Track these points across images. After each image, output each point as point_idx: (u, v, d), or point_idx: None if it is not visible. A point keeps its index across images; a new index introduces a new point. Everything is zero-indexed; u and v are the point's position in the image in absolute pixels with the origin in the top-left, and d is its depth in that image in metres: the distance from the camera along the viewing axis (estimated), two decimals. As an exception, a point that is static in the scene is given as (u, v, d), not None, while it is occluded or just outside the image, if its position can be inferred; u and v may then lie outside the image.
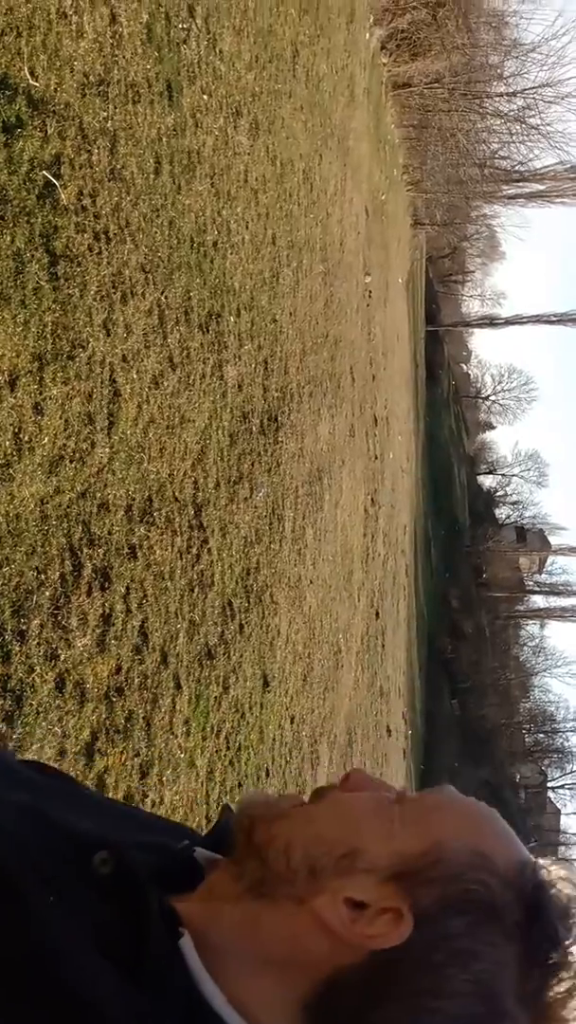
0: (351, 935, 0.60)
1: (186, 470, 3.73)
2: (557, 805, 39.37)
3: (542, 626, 37.87)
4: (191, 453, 3.75)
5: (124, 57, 3.03)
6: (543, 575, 38.39)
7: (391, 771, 11.41)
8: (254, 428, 4.95)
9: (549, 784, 38.36)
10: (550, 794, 38.89)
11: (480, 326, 45.54)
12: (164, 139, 3.46)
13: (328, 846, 0.64)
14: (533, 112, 18.02)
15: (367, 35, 13.64)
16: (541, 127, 18.13)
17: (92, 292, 2.63)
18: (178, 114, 3.68)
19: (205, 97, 4.13)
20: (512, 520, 41.28)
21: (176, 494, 3.60)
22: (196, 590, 3.71)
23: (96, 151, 2.75)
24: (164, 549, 3.39)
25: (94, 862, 0.63)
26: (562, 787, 38.88)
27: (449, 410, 33.92)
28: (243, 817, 0.69)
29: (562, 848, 39.78)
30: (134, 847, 0.69)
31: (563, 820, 40.04)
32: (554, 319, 39.67)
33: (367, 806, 0.67)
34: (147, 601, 3.14)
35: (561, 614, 35.84)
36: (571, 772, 38.58)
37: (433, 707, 19.72)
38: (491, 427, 48.13)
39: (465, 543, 29.37)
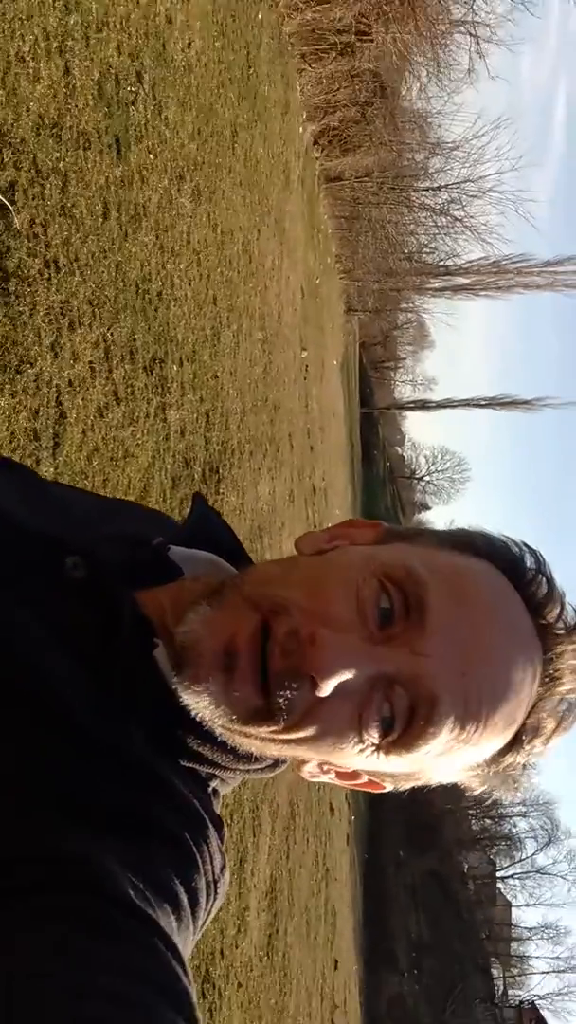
0: None
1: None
2: (507, 897, 38.65)
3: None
4: (134, 489, 3.83)
5: (77, 106, 3.24)
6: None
7: (335, 853, 11.15)
8: (196, 475, 5.04)
9: (498, 874, 37.72)
10: (499, 885, 38.20)
11: (413, 409, 47.08)
12: (112, 188, 3.67)
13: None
14: (457, 206, 19.33)
15: (300, 128, 14.57)
16: (465, 219, 19.42)
17: (41, 314, 2.74)
18: (126, 167, 3.90)
19: (151, 157, 4.39)
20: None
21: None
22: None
23: (48, 186, 2.91)
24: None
25: (66, 566, 0.63)
26: (512, 877, 38.29)
27: (385, 489, 34.68)
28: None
29: (515, 944, 38.83)
30: (105, 542, 0.69)
31: (514, 913, 39.25)
32: (483, 403, 41.23)
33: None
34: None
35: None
36: (519, 861, 38.11)
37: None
38: (427, 507, 49.26)
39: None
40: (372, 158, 17.91)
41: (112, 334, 3.50)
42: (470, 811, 34.96)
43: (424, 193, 19.81)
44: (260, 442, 7.44)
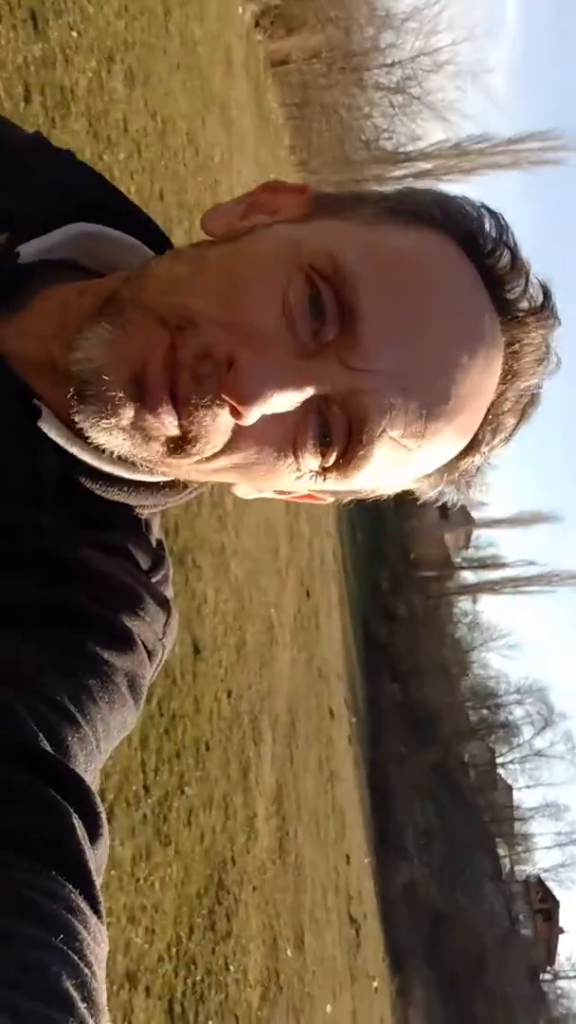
0: None
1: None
2: (508, 781, 40.37)
3: (475, 601, 38.78)
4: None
5: (-22, -29, 2.91)
6: (470, 550, 39.33)
7: (338, 755, 11.46)
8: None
9: (498, 760, 39.29)
10: (500, 770, 39.85)
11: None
12: (33, 68, 3.35)
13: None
14: (413, 82, 18.44)
15: (240, 9, 13.67)
16: (422, 97, 18.56)
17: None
18: (46, 45, 3.56)
19: (74, 35, 4.02)
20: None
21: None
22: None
23: (-44, 64, 2.63)
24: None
25: None
26: (511, 762, 39.91)
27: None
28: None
29: (518, 824, 40.86)
30: None
31: (515, 795, 41.13)
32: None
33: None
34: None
35: (492, 587, 36.73)
36: (518, 746, 39.66)
37: (374, 692, 19.93)
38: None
39: (389, 524, 29.83)
40: (319, 36, 16.94)
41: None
42: (467, 702, 36.15)
43: (377, 71, 18.86)
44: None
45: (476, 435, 0.55)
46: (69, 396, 0.50)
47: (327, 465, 0.53)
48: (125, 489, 0.57)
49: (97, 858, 0.42)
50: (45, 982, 0.33)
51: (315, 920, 7.35)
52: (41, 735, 0.43)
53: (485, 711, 37.67)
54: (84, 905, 0.38)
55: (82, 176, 0.64)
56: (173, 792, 3.76)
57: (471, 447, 0.56)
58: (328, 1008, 7.24)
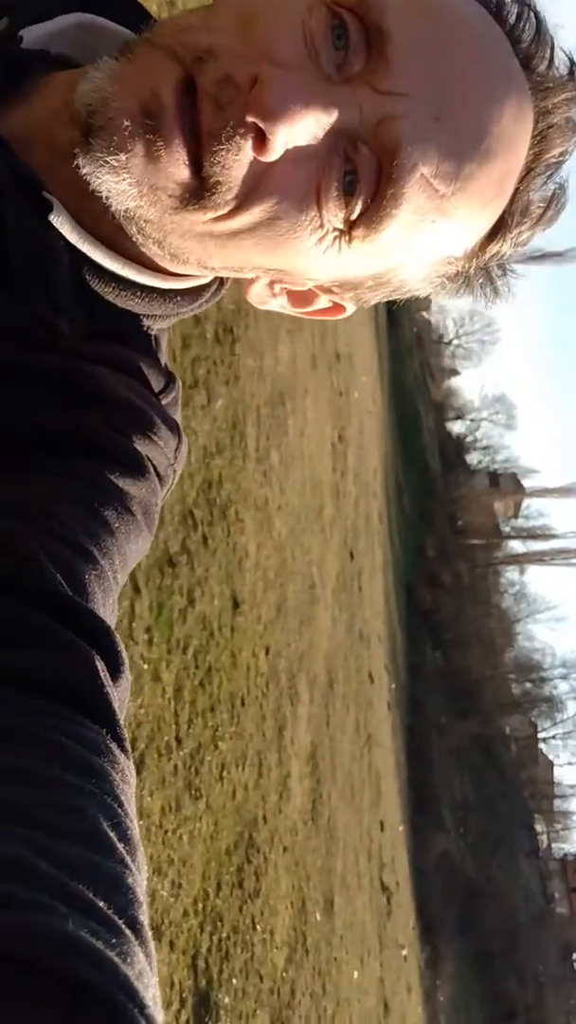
0: None
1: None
2: (549, 757, 40.25)
3: (522, 572, 38.40)
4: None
5: None
6: (519, 519, 38.82)
7: (376, 719, 11.45)
8: (208, 335, 4.82)
9: (540, 735, 39.16)
10: (541, 745, 39.73)
11: (440, 268, 45.59)
12: None
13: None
14: None
15: None
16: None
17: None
18: None
19: None
20: (484, 465, 41.62)
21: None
22: (151, 492, 3.57)
23: None
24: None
25: None
26: (553, 738, 39.75)
27: (413, 357, 33.93)
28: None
29: (558, 801, 40.80)
30: None
31: (556, 772, 41.00)
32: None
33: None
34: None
35: (540, 558, 36.30)
36: (561, 722, 39.44)
37: (416, 659, 19.87)
38: (456, 373, 48.29)
39: (438, 489, 29.51)
40: None
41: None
42: (511, 675, 35.96)
43: None
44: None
45: (504, 216, 0.53)
46: (76, 142, 0.47)
47: (353, 217, 0.50)
48: (139, 294, 0.56)
49: (120, 694, 0.43)
50: (84, 826, 0.33)
51: (346, 885, 7.39)
52: (59, 576, 0.43)
53: (529, 684, 37.46)
54: (112, 745, 0.39)
55: None
56: (206, 746, 3.74)
57: (499, 228, 0.54)
58: (355, 974, 7.30)
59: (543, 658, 38.14)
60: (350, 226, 0.50)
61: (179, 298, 0.58)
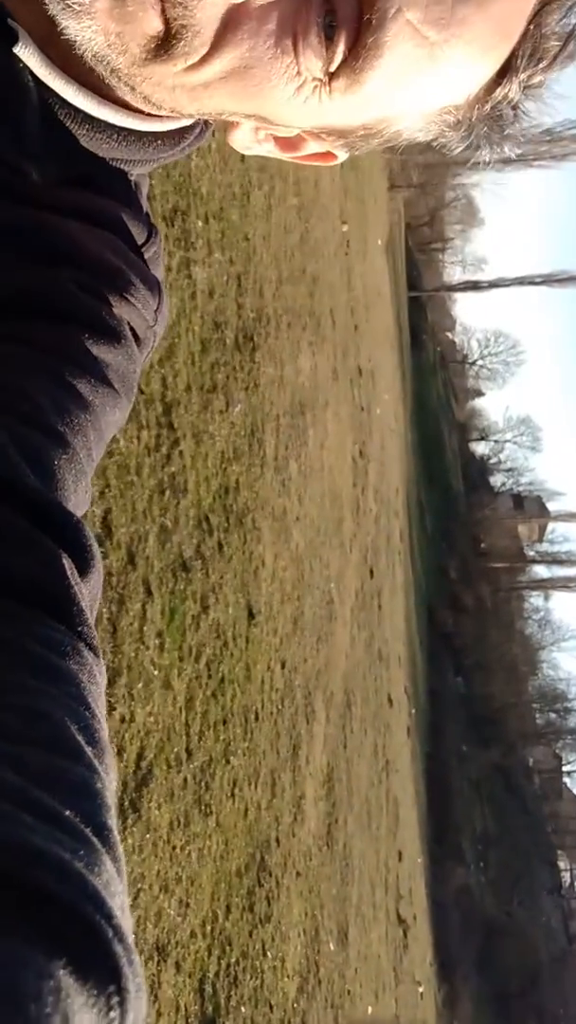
0: None
1: (152, 363, 3.58)
2: (574, 791, 39.58)
3: (546, 598, 37.98)
4: (158, 349, 3.56)
5: None
6: (544, 544, 38.45)
7: (395, 744, 11.27)
8: (228, 341, 4.80)
9: (564, 768, 38.54)
10: (566, 779, 39.09)
11: (463, 290, 45.88)
12: None
13: None
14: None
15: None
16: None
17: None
18: None
19: None
20: (508, 487, 41.37)
21: (141, 385, 3.41)
22: (167, 493, 3.50)
23: None
24: (129, 440, 3.21)
25: None
26: (577, 771, 39.09)
27: (436, 376, 33.94)
28: None
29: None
30: None
31: (580, 807, 40.24)
32: (538, 280, 40.10)
33: None
34: (110, 491, 2.96)
35: (565, 584, 35.90)
36: (586, 755, 38.77)
37: (436, 684, 19.61)
38: (480, 394, 48.27)
39: (460, 511, 29.32)
40: None
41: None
42: (534, 704, 35.46)
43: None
44: (298, 313, 7.21)
45: (512, 57, 0.46)
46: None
47: (332, 69, 0.45)
48: (116, 137, 0.52)
49: (91, 590, 0.42)
50: (50, 731, 0.33)
51: (361, 915, 7.21)
52: (25, 465, 0.41)
53: (553, 715, 36.91)
54: (80, 645, 0.38)
55: None
56: (217, 760, 3.64)
57: (506, 71, 0.47)
58: (370, 1009, 7.10)
59: (568, 688, 37.67)
60: (331, 77, 0.46)
61: (159, 141, 0.54)
